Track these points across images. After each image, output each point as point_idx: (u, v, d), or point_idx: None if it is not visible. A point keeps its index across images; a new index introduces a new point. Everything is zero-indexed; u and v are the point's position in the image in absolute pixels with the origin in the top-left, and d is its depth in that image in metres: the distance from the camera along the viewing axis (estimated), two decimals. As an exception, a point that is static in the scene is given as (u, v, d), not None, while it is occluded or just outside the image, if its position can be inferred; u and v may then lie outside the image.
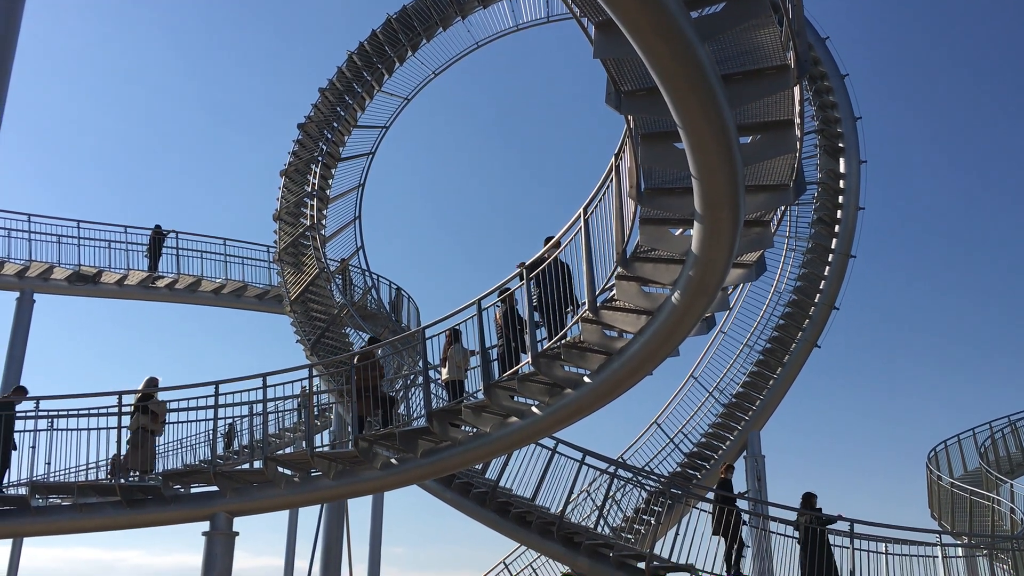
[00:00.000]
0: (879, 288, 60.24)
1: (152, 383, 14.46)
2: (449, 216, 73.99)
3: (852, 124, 22.22)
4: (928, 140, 63.12)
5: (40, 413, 13.88)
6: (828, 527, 14.48)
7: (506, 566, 20.57)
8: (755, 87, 7.33)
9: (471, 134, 70.86)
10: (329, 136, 23.49)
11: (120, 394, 13.62)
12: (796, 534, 14.55)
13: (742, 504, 15.46)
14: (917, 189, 62.85)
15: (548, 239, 11.50)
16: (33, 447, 13.70)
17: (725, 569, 14.29)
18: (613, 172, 9.38)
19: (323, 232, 22.25)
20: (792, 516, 14.94)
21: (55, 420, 13.82)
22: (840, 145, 22.22)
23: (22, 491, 13.72)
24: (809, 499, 14.94)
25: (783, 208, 10.07)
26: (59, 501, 14.15)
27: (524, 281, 11.13)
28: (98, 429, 13.52)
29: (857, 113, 22.26)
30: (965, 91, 61.47)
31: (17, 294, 22.06)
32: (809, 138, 21.71)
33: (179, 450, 16.76)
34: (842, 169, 22.08)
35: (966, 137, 61.98)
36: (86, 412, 13.75)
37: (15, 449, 13.89)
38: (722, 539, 14.46)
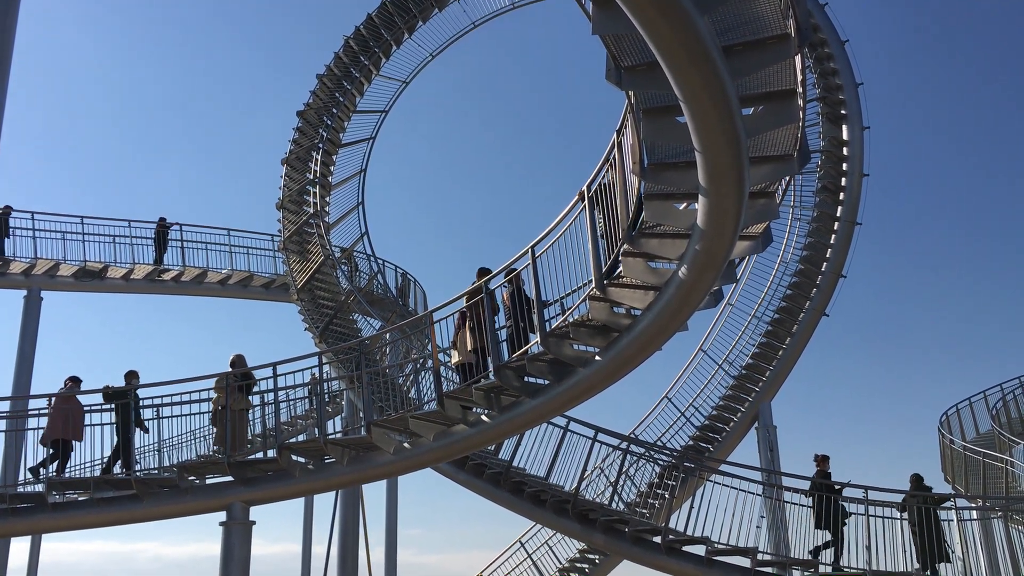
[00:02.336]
0: (886, 254, 60.07)
1: (239, 360, 14.54)
2: (452, 199, 73.89)
3: (854, 90, 22.10)
4: (931, 103, 62.74)
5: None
6: (844, 495, 14.57)
7: (522, 544, 20.68)
8: (756, 58, 7.26)
9: (471, 115, 70.63)
10: (329, 122, 23.42)
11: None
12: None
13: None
14: (922, 153, 62.52)
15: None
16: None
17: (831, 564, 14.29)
18: (615, 149, 9.33)
19: (327, 219, 22.21)
20: (804, 485, 14.99)
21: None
22: (842, 112, 22.09)
23: (39, 488, 13.82)
24: (919, 480, 14.97)
25: (788, 178, 10.01)
26: (76, 496, 14.25)
27: (532, 261, 11.08)
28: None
29: (858, 79, 22.14)
30: (969, 51, 61.02)
31: (24, 292, 22.09)
32: (811, 106, 21.60)
33: (192, 441, 16.83)
34: (845, 136, 21.96)
35: (971, 98, 61.58)
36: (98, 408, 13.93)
37: (146, 431, 14.15)
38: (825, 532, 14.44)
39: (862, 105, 22.00)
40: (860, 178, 21.66)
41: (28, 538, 23.60)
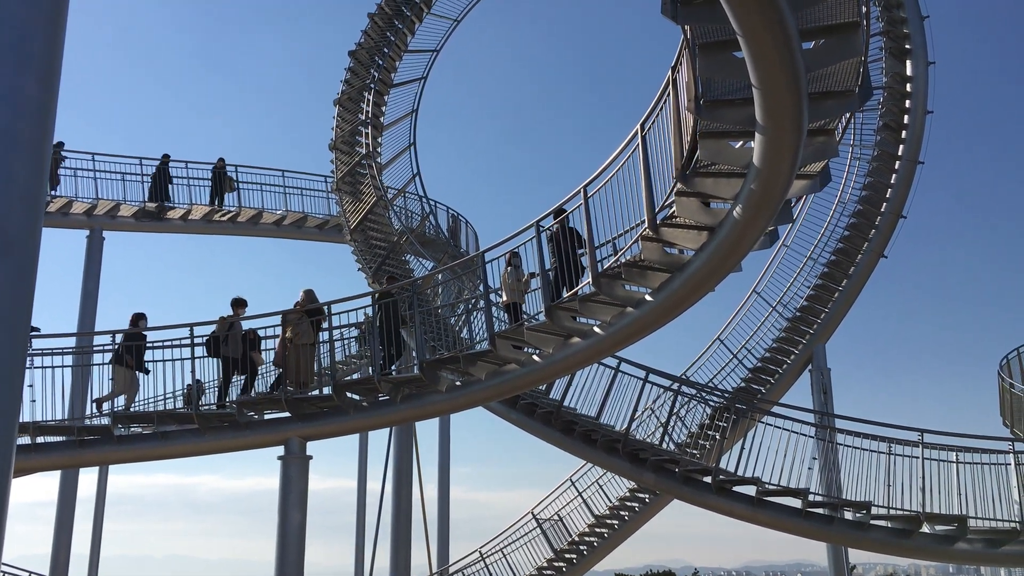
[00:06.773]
0: (949, 195, 58.52)
1: (309, 296, 14.47)
2: (503, 140, 73.70)
3: (919, 23, 21.30)
4: (1001, 38, 60.31)
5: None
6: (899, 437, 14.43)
7: (573, 483, 20.90)
8: (818, -11, 7.02)
9: (522, 56, 70.02)
10: (380, 62, 23.32)
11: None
12: (865, 445, 14.44)
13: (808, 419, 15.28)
14: (989, 91, 60.30)
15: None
16: (112, 379, 14.25)
17: None
18: (670, 85, 9.17)
19: (379, 160, 22.26)
20: (860, 428, 14.86)
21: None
22: (907, 46, 21.35)
23: (105, 421, 14.30)
24: None
25: (848, 115, 9.75)
26: (140, 430, 14.73)
27: (584, 201, 11.02)
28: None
29: (924, 12, 21.32)
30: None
31: (87, 232, 22.63)
32: (874, 40, 20.87)
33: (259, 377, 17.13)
34: (909, 72, 21.25)
35: (1042, 32, 58.99)
36: (169, 344, 14.30)
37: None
38: None
39: (928, 39, 21.25)
40: (924, 115, 21.02)
41: (96, 470, 24.50)
